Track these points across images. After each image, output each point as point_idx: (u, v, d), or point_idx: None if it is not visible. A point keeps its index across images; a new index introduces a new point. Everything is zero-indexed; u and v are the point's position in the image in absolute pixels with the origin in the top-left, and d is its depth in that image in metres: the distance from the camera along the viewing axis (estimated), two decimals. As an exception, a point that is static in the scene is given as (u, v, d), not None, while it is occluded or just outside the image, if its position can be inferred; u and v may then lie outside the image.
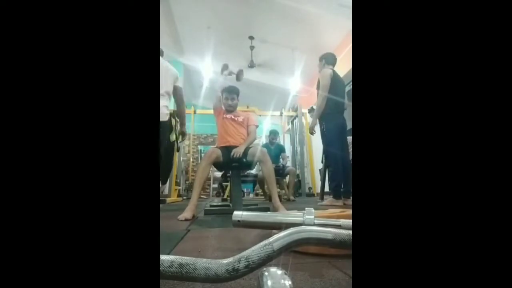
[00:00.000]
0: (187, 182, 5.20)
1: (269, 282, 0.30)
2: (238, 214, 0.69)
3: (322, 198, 3.23)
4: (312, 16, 4.04)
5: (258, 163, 1.89)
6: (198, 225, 1.32)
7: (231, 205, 2.01)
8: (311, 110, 3.26)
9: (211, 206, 2.16)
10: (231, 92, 2.07)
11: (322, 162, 3.31)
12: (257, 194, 5.50)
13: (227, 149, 1.88)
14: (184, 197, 4.23)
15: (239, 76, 2.13)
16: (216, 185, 6.20)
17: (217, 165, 1.91)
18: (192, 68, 5.72)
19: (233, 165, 1.90)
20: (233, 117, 2.04)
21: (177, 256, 0.35)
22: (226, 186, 4.58)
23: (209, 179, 5.99)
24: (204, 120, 5.95)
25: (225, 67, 2.11)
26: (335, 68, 2.67)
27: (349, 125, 4.24)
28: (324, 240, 0.40)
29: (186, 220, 1.49)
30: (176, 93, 2.15)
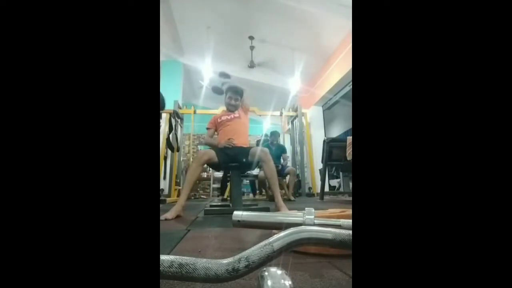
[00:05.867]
0: (187, 182, 5.20)
1: (269, 282, 0.30)
2: (238, 214, 0.69)
3: (322, 198, 3.23)
4: (312, 16, 4.03)
5: (259, 163, 1.88)
6: (198, 225, 1.32)
7: (231, 205, 2.00)
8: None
9: (211, 206, 2.16)
10: (235, 93, 2.09)
11: (322, 162, 3.32)
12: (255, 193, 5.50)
13: (230, 149, 1.87)
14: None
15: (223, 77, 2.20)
16: (216, 185, 6.18)
17: (214, 165, 1.90)
18: (192, 68, 5.72)
19: (233, 165, 1.89)
20: (228, 117, 2.04)
21: (177, 256, 0.35)
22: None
23: (209, 179, 5.98)
24: (204, 120, 5.93)
25: (222, 74, 2.18)
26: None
27: (349, 125, 4.27)
28: (324, 240, 0.40)
29: (166, 220, 1.49)
30: None
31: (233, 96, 2.08)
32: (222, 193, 3.93)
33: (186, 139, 6.27)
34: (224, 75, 2.19)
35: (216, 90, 2.22)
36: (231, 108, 2.08)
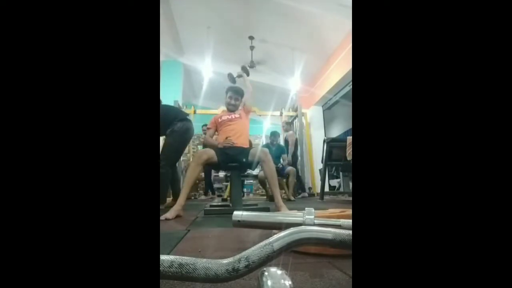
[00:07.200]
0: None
1: (269, 282, 0.30)
2: (238, 214, 0.69)
3: (322, 198, 3.23)
4: (312, 16, 4.03)
5: (259, 163, 1.88)
6: (198, 225, 1.32)
7: (231, 205, 2.00)
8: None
9: (211, 206, 2.16)
10: (236, 93, 2.09)
11: (322, 162, 3.32)
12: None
13: (230, 149, 1.87)
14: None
15: (233, 77, 2.21)
16: (217, 185, 6.15)
17: (214, 165, 1.90)
18: (192, 68, 5.72)
19: (233, 165, 1.89)
20: (229, 117, 2.04)
21: (177, 256, 0.35)
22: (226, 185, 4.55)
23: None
24: (204, 120, 5.95)
25: (230, 76, 2.22)
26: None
27: (349, 125, 4.27)
28: (324, 240, 0.40)
29: (166, 220, 1.49)
30: None
31: (234, 95, 2.08)
32: (206, 193, 3.82)
33: (186, 139, 6.27)
34: (233, 78, 2.25)
35: (231, 79, 2.27)
36: (231, 108, 2.08)
